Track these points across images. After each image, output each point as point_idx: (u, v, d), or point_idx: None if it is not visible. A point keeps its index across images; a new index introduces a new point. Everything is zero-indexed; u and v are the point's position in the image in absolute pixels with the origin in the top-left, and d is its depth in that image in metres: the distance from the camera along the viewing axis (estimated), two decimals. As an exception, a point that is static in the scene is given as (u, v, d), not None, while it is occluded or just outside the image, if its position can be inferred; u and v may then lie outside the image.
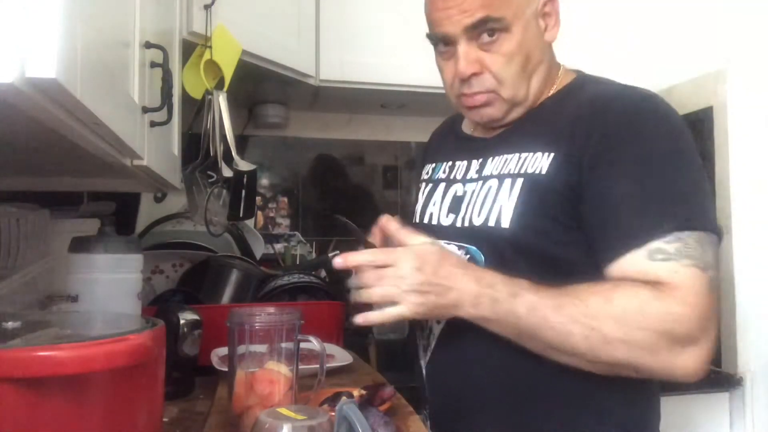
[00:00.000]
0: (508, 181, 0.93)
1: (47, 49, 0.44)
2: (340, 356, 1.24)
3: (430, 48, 0.99)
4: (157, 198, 1.40)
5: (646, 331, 0.78)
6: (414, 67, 1.49)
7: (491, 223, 0.92)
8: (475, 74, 0.93)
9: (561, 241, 0.89)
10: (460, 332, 0.92)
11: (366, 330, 1.61)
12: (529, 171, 0.91)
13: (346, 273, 0.89)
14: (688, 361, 0.79)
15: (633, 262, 0.82)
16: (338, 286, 1.46)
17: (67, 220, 1.22)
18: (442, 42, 0.95)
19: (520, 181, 0.91)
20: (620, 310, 0.79)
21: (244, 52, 1.35)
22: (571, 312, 0.80)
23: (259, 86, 1.77)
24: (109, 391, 0.56)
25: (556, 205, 0.88)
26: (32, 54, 0.43)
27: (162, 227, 1.56)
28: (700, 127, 1.62)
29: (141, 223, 1.61)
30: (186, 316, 1.05)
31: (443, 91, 1.02)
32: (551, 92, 0.99)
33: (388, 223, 0.90)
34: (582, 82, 0.99)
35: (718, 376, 1.54)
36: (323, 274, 1.61)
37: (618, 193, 0.85)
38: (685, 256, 0.80)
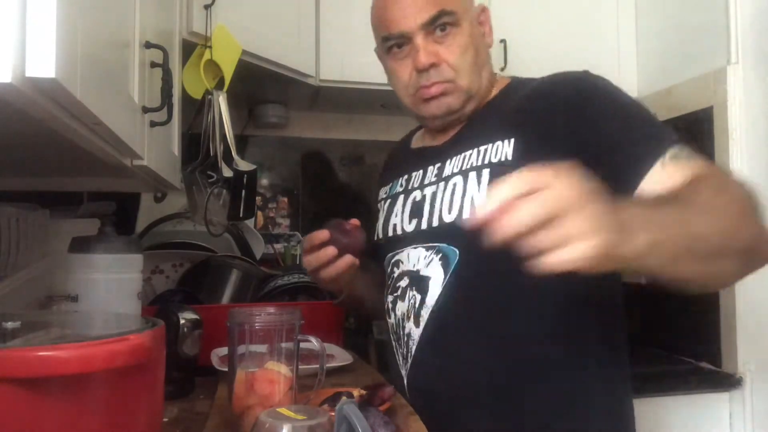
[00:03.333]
0: (473, 174, 0.94)
1: (47, 49, 0.44)
2: (340, 356, 1.24)
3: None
4: (157, 198, 1.40)
5: (746, 199, 0.75)
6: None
7: (466, 215, 0.93)
8: (433, 65, 0.98)
9: None
10: (441, 335, 0.92)
11: (366, 330, 1.61)
12: (494, 160, 0.93)
13: None
14: None
15: (662, 170, 0.82)
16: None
17: (67, 220, 1.22)
18: (396, 44, 1.01)
19: (486, 171, 0.93)
20: (725, 186, 0.77)
21: (244, 52, 1.35)
22: (706, 199, 0.73)
23: (259, 86, 1.77)
24: (109, 391, 0.56)
25: None
26: (32, 54, 0.43)
27: (162, 227, 1.56)
28: (700, 127, 1.62)
29: (141, 223, 1.60)
30: (186, 316, 1.05)
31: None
32: (492, 95, 1.05)
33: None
34: (519, 82, 1.06)
35: (718, 376, 1.53)
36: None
37: (613, 132, 0.87)
38: (696, 156, 0.83)
